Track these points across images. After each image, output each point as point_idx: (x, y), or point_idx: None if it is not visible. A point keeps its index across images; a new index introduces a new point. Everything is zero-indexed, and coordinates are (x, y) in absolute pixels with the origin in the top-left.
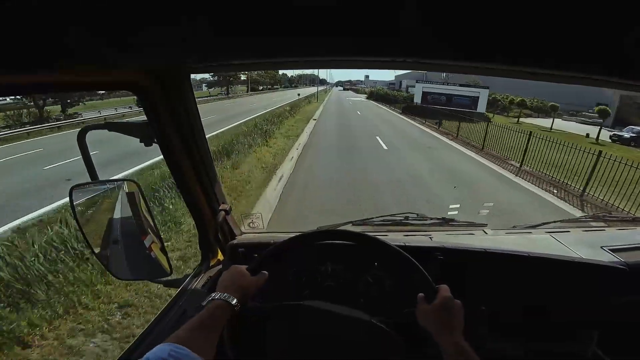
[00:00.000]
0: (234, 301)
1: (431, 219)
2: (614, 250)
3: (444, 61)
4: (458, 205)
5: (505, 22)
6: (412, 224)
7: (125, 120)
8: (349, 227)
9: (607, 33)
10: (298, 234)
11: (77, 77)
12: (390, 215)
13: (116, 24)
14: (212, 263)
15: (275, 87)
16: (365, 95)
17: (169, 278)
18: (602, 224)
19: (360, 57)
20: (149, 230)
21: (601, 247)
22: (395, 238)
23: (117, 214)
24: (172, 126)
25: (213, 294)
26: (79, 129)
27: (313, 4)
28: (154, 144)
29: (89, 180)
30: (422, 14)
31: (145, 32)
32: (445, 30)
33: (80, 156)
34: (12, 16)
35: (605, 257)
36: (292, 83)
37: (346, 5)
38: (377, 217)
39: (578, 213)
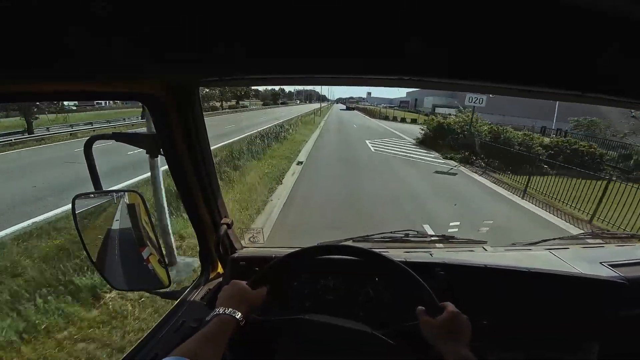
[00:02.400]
0: (239, 316)
1: (431, 236)
2: (613, 266)
3: (450, 80)
4: (458, 223)
5: (504, 44)
6: (412, 241)
7: (133, 131)
8: (350, 244)
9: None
10: (299, 249)
11: (100, 87)
12: (391, 232)
13: (145, 39)
14: (211, 276)
15: (241, 104)
16: (416, 139)
17: (167, 290)
18: (600, 241)
19: (368, 75)
20: (149, 242)
21: (600, 263)
22: (395, 254)
23: (118, 225)
24: (180, 138)
25: (218, 309)
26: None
27: (323, 27)
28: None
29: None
30: (428, 39)
31: (171, 48)
32: (448, 52)
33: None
34: (42, 29)
35: (605, 272)
36: (277, 98)
37: (355, 27)
38: (377, 234)
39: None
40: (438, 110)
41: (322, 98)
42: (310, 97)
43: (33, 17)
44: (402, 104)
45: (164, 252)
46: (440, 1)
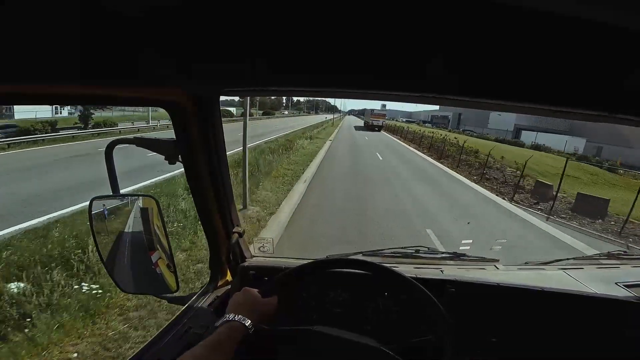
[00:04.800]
0: (249, 323)
1: (442, 253)
2: (628, 286)
3: (471, 98)
4: (470, 241)
5: (524, 67)
6: (422, 257)
7: (154, 137)
8: (360, 257)
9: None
10: (311, 260)
11: (126, 93)
12: (402, 248)
13: (175, 50)
14: (220, 283)
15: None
16: None
17: (175, 295)
18: (616, 261)
19: (390, 92)
20: (160, 247)
21: (615, 283)
22: (405, 270)
23: (131, 228)
24: (199, 146)
25: (228, 315)
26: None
27: (347, 45)
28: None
29: (111, 192)
30: (455, 59)
31: (198, 60)
32: (471, 74)
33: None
34: (76, 36)
35: (620, 293)
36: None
37: (377, 44)
38: (387, 248)
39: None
40: (527, 135)
41: (332, 109)
42: (316, 107)
43: (68, 24)
44: (434, 120)
45: (173, 257)
46: (465, 25)
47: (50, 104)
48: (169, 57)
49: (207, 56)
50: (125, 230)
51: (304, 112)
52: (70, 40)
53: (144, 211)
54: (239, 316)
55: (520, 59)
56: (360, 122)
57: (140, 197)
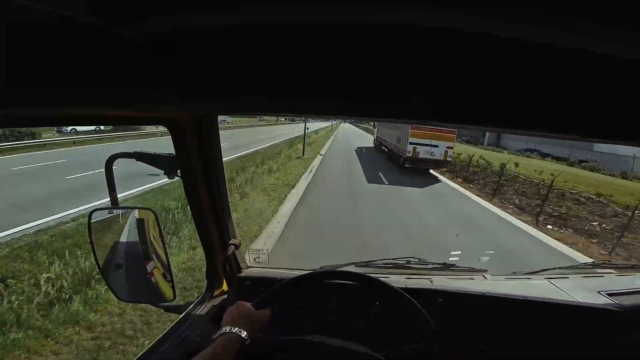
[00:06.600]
0: (245, 334)
1: (432, 263)
2: (610, 295)
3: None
4: (459, 252)
5: (490, 96)
6: (413, 268)
7: (153, 152)
8: (352, 268)
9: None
10: (304, 272)
11: (130, 113)
12: (393, 259)
13: (181, 76)
14: (216, 293)
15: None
16: None
17: (172, 303)
18: (600, 270)
19: (379, 117)
20: (157, 257)
21: (598, 292)
22: (396, 280)
23: (129, 239)
24: (197, 162)
25: (224, 328)
26: None
27: (335, 76)
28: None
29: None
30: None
31: (201, 89)
32: (444, 102)
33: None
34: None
35: (601, 301)
36: None
37: (364, 76)
38: (379, 259)
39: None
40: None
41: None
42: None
43: (74, 48)
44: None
45: (171, 267)
46: (442, 61)
47: (49, 125)
48: (170, 83)
49: (207, 83)
50: (123, 241)
51: (285, 118)
52: (75, 64)
53: (141, 223)
54: (236, 328)
55: (479, 87)
56: (366, 139)
57: (138, 210)
